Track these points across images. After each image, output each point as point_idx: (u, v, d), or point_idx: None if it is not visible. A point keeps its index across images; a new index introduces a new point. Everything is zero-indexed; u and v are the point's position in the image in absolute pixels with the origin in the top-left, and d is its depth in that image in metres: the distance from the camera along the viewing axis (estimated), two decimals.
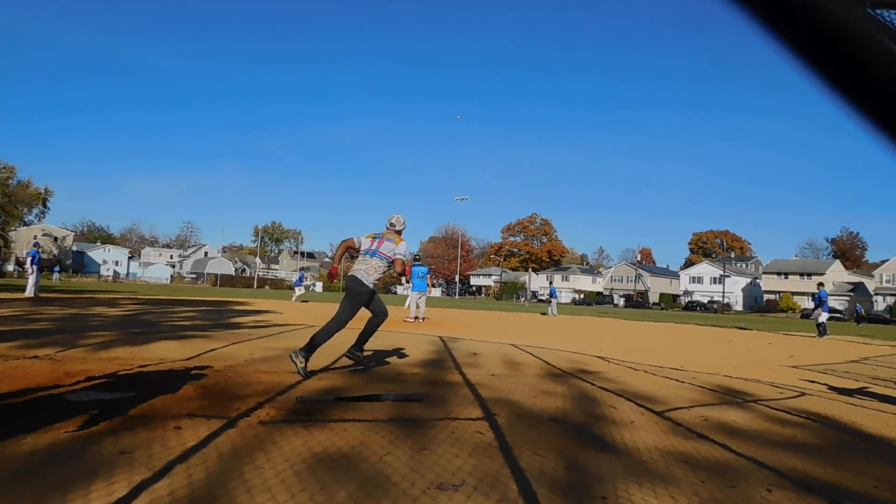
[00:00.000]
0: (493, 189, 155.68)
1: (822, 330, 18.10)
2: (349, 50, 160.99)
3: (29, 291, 17.80)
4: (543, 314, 27.32)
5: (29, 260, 18.35)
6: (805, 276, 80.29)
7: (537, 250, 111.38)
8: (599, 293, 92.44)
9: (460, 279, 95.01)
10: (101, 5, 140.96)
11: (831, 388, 6.58)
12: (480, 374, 5.97)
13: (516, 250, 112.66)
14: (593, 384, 5.75)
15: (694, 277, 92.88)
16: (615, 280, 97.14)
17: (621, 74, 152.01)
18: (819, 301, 18.87)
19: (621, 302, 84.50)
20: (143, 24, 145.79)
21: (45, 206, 66.25)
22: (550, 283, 32.41)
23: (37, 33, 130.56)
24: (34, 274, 18.16)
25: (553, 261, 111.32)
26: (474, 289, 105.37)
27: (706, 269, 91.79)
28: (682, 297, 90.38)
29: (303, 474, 2.60)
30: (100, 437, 3.01)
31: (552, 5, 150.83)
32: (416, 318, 15.65)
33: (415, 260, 18.03)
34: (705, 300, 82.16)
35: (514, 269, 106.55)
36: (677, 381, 6.32)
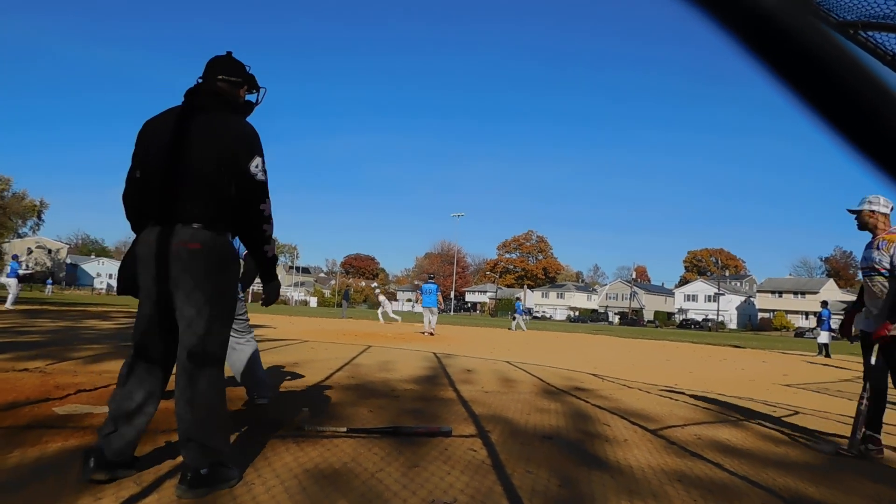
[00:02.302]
0: (489, 206, 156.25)
1: (822, 351, 18.01)
2: (344, 67, 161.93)
3: (9, 304, 17.61)
4: (509, 329, 27.19)
5: (7, 273, 18.31)
6: (799, 295, 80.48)
7: (533, 267, 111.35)
8: (594, 310, 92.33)
9: (456, 295, 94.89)
10: (97, 18, 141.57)
11: (823, 407, 6.58)
12: (474, 391, 5.95)
13: (512, 267, 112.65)
14: (587, 402, 5.73)
15: (689, 295, 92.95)
16: (610, 297, 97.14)
17: (616, 93, 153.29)
18: (819, 320, 18.83)
19: (616, 319, 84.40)
20: (140, 38, 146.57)
21: (39, 218, 66.03)
22: (517, 299, 32.50)
23: (33, 46, 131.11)
24: (14, 287, 18.04)
25: (548, 278, 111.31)
26: (469, 305, 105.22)
27: (701, 286, 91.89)
28: (676, 315, 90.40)
29: (293, 491, 2.58)
30: None
31: (545, 23, 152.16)
32: (430, 332, 17.00)
33: (428, 278, 19.80)
34: (700, 318, 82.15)
35: (509, 286, 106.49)
36: (671, 398, 6.31)
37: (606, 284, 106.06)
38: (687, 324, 78.64)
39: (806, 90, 0.38)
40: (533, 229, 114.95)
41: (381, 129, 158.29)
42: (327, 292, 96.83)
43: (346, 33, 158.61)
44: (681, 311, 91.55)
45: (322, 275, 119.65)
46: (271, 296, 2.99)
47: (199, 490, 2.42)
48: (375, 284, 32.24)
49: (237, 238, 2.80)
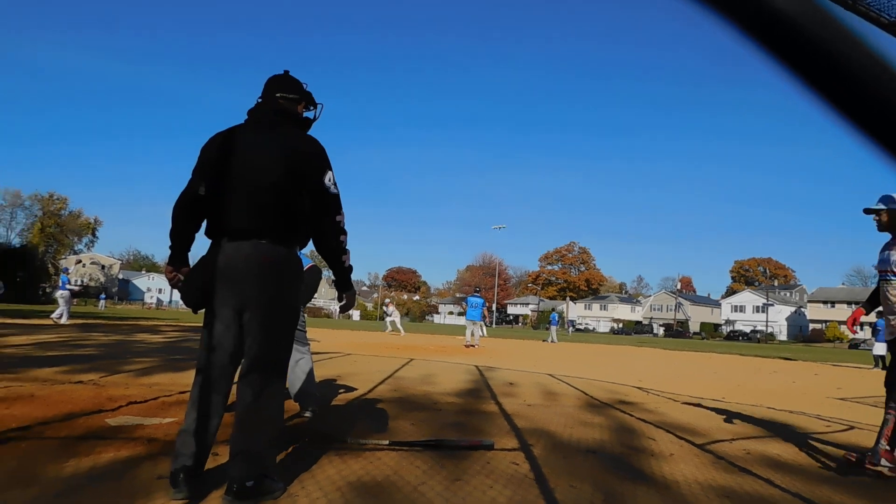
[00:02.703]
0: (530, 218, 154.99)
1: (879, 363, 17.20)
2: (379, 79, 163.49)
3: (62, 317, 17.79)
4: (543, 341, 26.95)
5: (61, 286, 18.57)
6: (853, 305, 77.67)
7: (575, 279, 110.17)
8: (638, 322, 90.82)
9: (497, 308, 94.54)
10: (142, 39, 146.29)
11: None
12: (516, 404, 5.92)
13: (554, 279, 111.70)
14: (631, 415, 5.64)
15: (736, 306, 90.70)
16: (654, 309, 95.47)
17: (660, 103, 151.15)
18: (874, 331, 18.07)
19: (661, 331, 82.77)
20: (186, 58, 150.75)
21: (94, 235, 68.62)
22: (553, 310, 32.39)
23: (88, 70, 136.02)
24: (65, 300, 18.24)
25: (591, 289, 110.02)
26: (511, 317, 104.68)
27: (748, 297, 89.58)
28: (723, 327, 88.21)
29: (337, 503, 2.60)
30: (139, 461, 3.07)
31: (586, 36, 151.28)
32: (471, 345, 17.12)
33: (475, 291, 20.06)
34: (748, 329, 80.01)
35: (551, 298, 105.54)
36: (719, 412, 6.15)
37: (651, 296, 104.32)
38: (734, 335, 76.72)
39: (820, 84, 0.39)
40: (575, 240, 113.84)
41: (420, 140, 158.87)
42: (369, 305, 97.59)
43: (383, 46, 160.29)
44: (728, 322, 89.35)
45: (364, 288, 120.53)
46: (349, 303, 3.05)
47: (244, 502, 2.46)
48: (388, 299, 31.99)
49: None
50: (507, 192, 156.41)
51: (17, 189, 67.11)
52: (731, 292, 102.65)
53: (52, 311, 17.92)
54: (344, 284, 2.95)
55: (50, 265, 63.80)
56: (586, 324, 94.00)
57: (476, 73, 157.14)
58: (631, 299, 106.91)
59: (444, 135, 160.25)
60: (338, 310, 24.21)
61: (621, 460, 3.74)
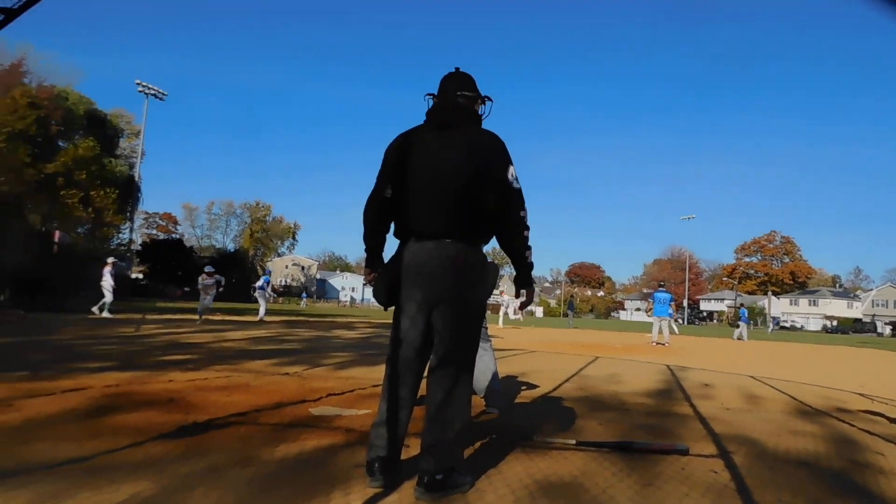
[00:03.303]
0: (723, 206, 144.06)
1: None
2: (563, 69, 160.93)
3: (261, 314, 19.41)
4: (739, 339, 24.63)
5: (261, 285, 20.25)
6: None
7: (777, 271, 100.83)
8: (857, 320, 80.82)
9: (689, 304, 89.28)
10: (338, 63, 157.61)
11: None
12: (713, 407, 5.50)
13: (753, 272, 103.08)
14: (852, 425, 4.99)
15: None
16: (878, 305, 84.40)
17: (862, 82, 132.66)
18: None
19: (887, 330, 72.66)
20: (361, 76, 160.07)
21: (294, 238, 75.68)
22: (741, 305, 29.70)
23: (296, 87, 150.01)
24: (264, 299, 19.87)
25: (797, 283, 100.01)
26: (705, 314, 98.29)
27: None
28: None
29: (523, 501, 2.57)
30: (338, 450, 3.28)
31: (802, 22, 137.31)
32: (659, 343, 16.53)
33: (658, 286, 19.24)
34: None
35: (750, 293, 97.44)
36: None
37: (872, 290, 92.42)
38: None
39: None
40: (776, 230, 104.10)
41: (601, 129, 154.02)
42: (552, 302, 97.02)
43: (557, 33, 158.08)
44: None
45: (547, 284, 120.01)
46: (529, 300, 3.03)
47: (435, 494, 2.53)
48: (502, 289, 30.54)
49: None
50: (695, 181, 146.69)
51: (230, 199, 76.10)
52: None
53: (259, 310, 19.78)
54: (525, 281, 2.91)
55: (258, 267, 71.60)
56: (793, 321, 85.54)
57: (656, 56, 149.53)
58: (847, 294, 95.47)
59: (625, 121, 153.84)
60: (516, 307, 23.43)
61: (841, 476, 3.31)
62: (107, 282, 17.59)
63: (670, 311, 17.66)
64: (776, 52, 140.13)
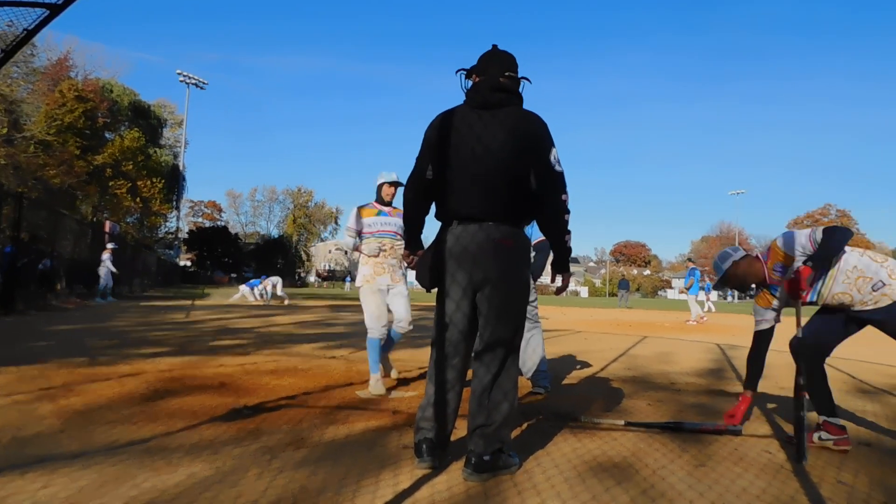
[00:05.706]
0: (775, 180, 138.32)
1: None
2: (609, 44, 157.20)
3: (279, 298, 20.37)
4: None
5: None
6: None
7: None
8: None
9: None
10: (383, 44, 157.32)
11: None
12: (767, 387, 5.35)
13: None
14: None
15: None
16: None
17: None
18: None
19: None
20: (404, 56, 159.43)
21: (336, 223, 76.26)
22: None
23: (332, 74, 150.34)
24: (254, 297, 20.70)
25: None
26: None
27: None
28: None
29: (573, 482, 2.56)
30: (386, 431, 3.32)
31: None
32: (694, 321, 16.03)
33: (687, 261, 18.51)
34: None
35: None
36: None
37: None
38: None
39: None
40: (831, 202, 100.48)
41: (649, 97, 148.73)
42: (597, 282, 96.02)
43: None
44: None
45: (591, 264, 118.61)
46: (565, 285, 2.98)
47: (483, 475, 2.53)
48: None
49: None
50: (746, 154, 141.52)
51: (273, 185, 77.03)
52: None
53: (306, 293, 20.30)
54: (563, 265, 2.85)
55: (302, 252, 72.64)
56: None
57: (705, 26, 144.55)
58: None
59: (672, 90, 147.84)
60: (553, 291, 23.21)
61: None
62: (105, 267, 17.85)
63: (699, 285, 17.31)
64: (828, 15, 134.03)
